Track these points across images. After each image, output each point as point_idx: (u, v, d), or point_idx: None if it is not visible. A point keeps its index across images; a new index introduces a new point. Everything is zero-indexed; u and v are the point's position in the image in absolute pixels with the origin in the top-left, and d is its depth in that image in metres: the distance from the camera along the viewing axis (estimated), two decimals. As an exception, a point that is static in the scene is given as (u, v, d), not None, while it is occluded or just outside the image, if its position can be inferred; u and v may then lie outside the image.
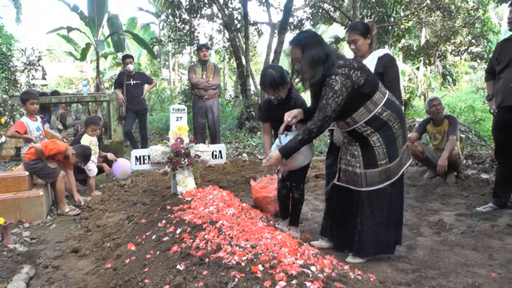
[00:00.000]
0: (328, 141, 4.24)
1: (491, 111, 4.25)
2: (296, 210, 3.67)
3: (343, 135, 3.08)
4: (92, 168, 5.25)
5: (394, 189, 2.98)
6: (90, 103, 8.71)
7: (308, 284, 1.85)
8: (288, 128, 3.19)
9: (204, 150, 4.18)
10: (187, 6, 12.00)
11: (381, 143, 2.87)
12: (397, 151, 2.92)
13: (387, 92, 2.96)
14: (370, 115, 2.83)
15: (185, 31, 12.44)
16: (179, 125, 4.19)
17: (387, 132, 2.88)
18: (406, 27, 12.79)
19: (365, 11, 11.93)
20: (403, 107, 4.08)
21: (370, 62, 3.42)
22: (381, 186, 2.90)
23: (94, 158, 5.29)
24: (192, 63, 7.27)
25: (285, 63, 26.26)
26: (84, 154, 4.80)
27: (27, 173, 4.46)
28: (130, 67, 7.66)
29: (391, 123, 2.88)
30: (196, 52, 7.18)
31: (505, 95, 3.94)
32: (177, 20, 12.26)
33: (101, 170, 5.52)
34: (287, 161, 3.03)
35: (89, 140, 5.23)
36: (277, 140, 3.14)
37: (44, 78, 25.62)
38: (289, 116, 3.05)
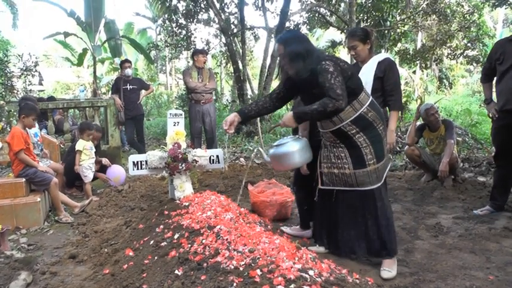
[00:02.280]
0: None
1: (491, 115, 4.14)
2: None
3: (326, 137, 3.06)
4: (87, 174, 5.24)
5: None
6: (87, 108, 8.71)
7: (306, 288, 1.85)
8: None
9: (202, 155, 4.18)
10: (184, 11, 12.02)
11: (368, 143, 2.88)
12: (384, 152, 2.96)
13: (371, 95, 3.03)
14: (356, 114, 2.85)
15: (182, 36, 12.45)
16: (176, 130, 4.19)
17: (373, 132, 2.90)
18: (402, 31, 12.83)
19: (361, 15, 11.96)
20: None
21: (370, 67, 3.43)
22: (373, 187, 2.91)
23: (90, 163, 5.28)
24: (188, 67, 7.15)
25: (282, 67, 26.32)
26: (36, 109, 4.65)
27: (24, 179, 4.44)
28: (129, 71, 7.70)
29: (375, 124, 2.91)
30: (192, 56, 7.09)
31: (508, 97, 3.84)
32: (174, 25, 12.28)
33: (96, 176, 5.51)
34: (281, 160, 3.02)
35: (83, 145, 5.21)
36: (278, 141, 3.14)
37: (40, 84, 25.61)
38: (225, 125, 3.07)
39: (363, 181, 2.90)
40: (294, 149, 2.98)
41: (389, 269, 2.89)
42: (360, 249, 2.99)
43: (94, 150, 5.40)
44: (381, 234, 2.91)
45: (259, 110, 3.19)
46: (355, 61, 3.65)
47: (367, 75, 3.40)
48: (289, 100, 3.34)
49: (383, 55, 3.54)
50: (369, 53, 3.49)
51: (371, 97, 2.98)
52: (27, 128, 4.63)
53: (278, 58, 3.43)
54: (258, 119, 8.57)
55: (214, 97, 7.23)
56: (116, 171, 5.58)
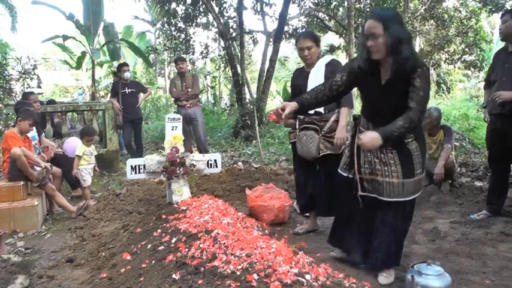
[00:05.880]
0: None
1: (486, 119, 4.29)
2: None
3: None
4: (86, 178, 5.23)
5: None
6: (85, 112, 8.72)
7: (303, 292, 1.86)
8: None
9: (200, 160, 4.19)
10: (183, 15, 12.06)
11: (419, 152, 2.76)
12: (425, 163, 2.88)
13: None
14: None
15: (181, 39, 12.49)
16: (174, 134, 4.21)
17: (423, 141, 2.82)
18: (400, 36, 12.88)
19: (359, 19, 12.02)
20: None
21: (319, 70, 3.62)
22: (413, 196, 2.82)
23: (89, 168, 5.28)
24: (173, 77, 7.45)
25: (280, 71, 26.37)
26: (34, 115, 4.74)
27: (22, 182, 4.44)
28: (127, 75, 7.72)
29: (424, 133, 2.88)
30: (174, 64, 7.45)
31: (494, 103, 3.98)
32: (173, 29, 12.32)
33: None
34: None
35: (83, 150, 5.21)
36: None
37: (39, 87, 25.55)
38: (274, 112, 2.81)
39: (408, 191, 2.77)
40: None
41: (387, 275, 2.85)
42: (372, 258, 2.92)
43: (95, 154, 5.41)
44: (401, 243, 2.90)
45: (316, 101, 2.89)
46: (298, 66, 3.79)
47: (318, 77, 3.51)
48: (342, 96, 3.07)
49: (328, 57, 3.75)
50: (317, 57, 3.69)
51: None
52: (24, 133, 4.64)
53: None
54: (256, 123, 8.60)
55: (202, 101, 7.43)
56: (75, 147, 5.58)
